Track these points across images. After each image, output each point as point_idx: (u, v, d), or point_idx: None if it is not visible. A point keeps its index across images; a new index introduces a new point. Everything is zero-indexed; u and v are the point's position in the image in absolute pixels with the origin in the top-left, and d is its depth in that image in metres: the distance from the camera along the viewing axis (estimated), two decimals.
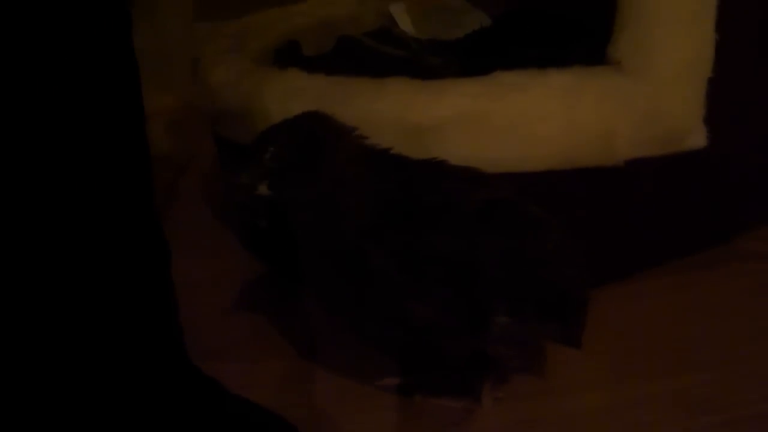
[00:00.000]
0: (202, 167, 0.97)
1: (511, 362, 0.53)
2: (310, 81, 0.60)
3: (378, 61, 0.82)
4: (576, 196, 0.58)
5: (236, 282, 0.74)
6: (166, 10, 0.99)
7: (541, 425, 0.53)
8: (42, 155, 0.44)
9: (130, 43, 0.49)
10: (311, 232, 0.51)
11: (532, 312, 0.50)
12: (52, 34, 0.42)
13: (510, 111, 0.55)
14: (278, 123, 0.51)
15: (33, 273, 0.45)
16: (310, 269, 0.54)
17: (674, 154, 0.59)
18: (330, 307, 0.56)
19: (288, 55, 0.80)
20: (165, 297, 0.58)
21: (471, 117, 0.55)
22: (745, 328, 0.61)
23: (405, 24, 0.92)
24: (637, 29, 0.58)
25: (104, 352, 0.44)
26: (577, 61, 0.57)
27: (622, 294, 0.65)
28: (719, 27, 0.59)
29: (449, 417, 0.54)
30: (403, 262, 0.49)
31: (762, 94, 0.63)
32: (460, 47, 0.89)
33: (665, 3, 0.58)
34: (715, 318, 0.62)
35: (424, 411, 0.55)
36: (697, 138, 0.59)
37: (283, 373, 0.60)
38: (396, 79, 0.57)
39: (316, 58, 0.82)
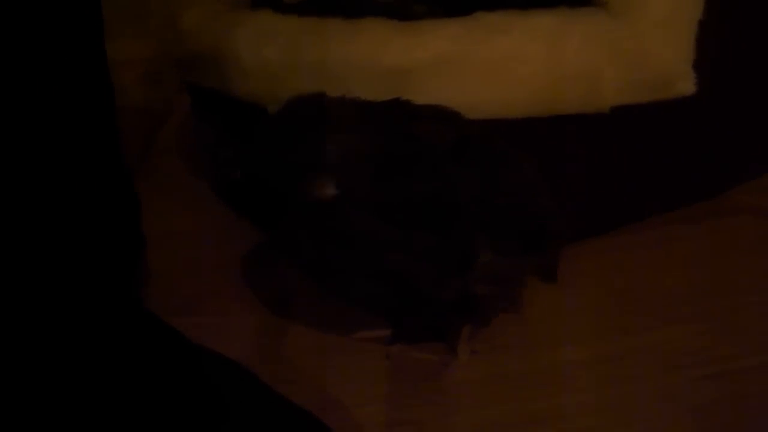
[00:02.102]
0: (181, 119, 0.95)
1: (495, 302, 0.51)
2: (283, 23, 0.58)
3: (359, 8, 0.79)
4: (560, 145, 0.55)
5: (211, 235, 0.72)
6: None
7: (518, 379, 0.52)
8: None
9: None
10: (292, 203, 0.50)
11: (512, 246, 0.49)
12: None
13: (491, 53, 0.52)
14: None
15: None
16: (290, 240, 0.52)
17: (662, 101, 0.57)
18: (315, 275, 0.54)
19: (265, 2, 0.77)
20: (130, 247, 0.57)
21: (450, 59, 0.52)
22: (730, 282, 0.59)
23: None
24: None
25: (61, 298, 0.42)
26: (562, 1, 0.55)
27: (607, 247, 0.63)
28: None
29: (426, 370, 0.53)
30: (381, 212, 0.47)
31: (754, 39, 0.61)
32: None
33: None
34: (700, 272, 0.61)
35: (400, 364, 0.54)
36: (685, 84, 0.56)
37: (255, 327, 0.59)
38: (372, 19, 0.55)
39: (294, 5, 0.79)
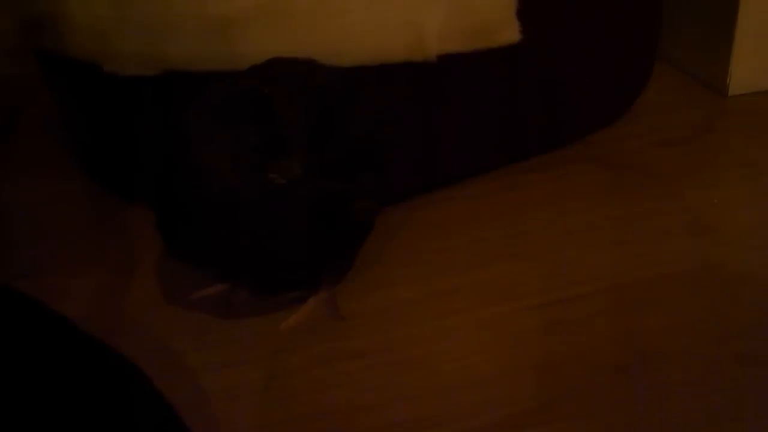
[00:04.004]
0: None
1: (373, 216, 0.54)
2: None
3: None
4: (387, 94, 0.57)
5: (65, 202, 0.71)
6: None
7: (352, 318, 0.53)
8: None
9: None
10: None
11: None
12: None
13: (313, 2, 0.54)
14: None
15: None
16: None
17: (488, 49, 0.59)
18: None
19: None
20: None
21: (273, 8, 0.53)
22: (558, 224, 0.62)
23: None
24: None
25: None
26: None
27: (448, 196, 0.66)
28: None
29: (259, 314, 0.54)
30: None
31: None
32: None
33: None
34: (534, 216, 0.63)
35: (235, 310, 0.55)
36: (509, 32, 0.59)
37: (97, 287, 0.59)
38: None
39: None
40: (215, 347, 0.52)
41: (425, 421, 0.46)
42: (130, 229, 0.65)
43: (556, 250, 0.59)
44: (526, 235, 0.61)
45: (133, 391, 0.38)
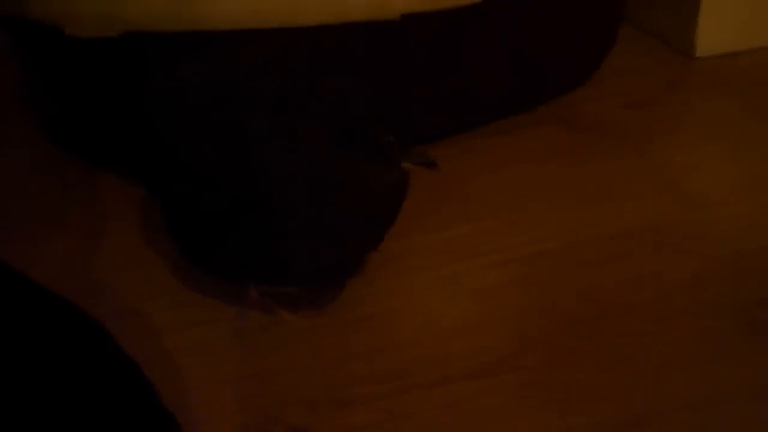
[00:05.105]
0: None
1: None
2: None
3: None
4: (353, 54, 0.57)
5: (31, 169, 0.71)
6: None
7: None
8: None
9: None
10: None
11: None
12: None
13: None
14: None
15: None
16: None
17: (453, 9, 0.59)
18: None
19: None
20: None
21: None
22: (524, 184, 0.63)
23: None
24: None
25: None
26: None
27: None
28: None
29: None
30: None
31: None
32: None
33: None
34: (501, 176, 0.64)
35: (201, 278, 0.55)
36: None
37: (65, 251, 0.59)
38: None
39: None
40: (182, 308, 0.52)
41: (388, 374, 0.46)
42: (98, 195, 0.65)
43: (519, 209, 0.60)
44: (490, 195, 0.62)
45: (89, 344, 0.38)
